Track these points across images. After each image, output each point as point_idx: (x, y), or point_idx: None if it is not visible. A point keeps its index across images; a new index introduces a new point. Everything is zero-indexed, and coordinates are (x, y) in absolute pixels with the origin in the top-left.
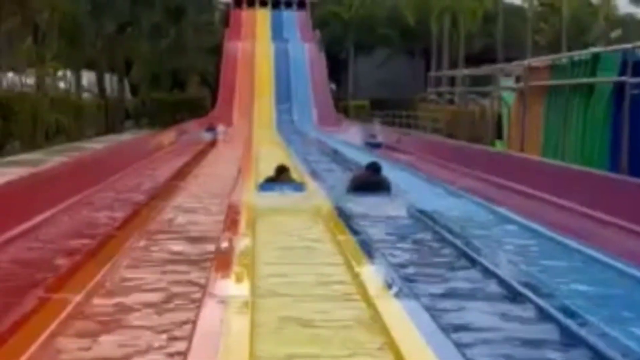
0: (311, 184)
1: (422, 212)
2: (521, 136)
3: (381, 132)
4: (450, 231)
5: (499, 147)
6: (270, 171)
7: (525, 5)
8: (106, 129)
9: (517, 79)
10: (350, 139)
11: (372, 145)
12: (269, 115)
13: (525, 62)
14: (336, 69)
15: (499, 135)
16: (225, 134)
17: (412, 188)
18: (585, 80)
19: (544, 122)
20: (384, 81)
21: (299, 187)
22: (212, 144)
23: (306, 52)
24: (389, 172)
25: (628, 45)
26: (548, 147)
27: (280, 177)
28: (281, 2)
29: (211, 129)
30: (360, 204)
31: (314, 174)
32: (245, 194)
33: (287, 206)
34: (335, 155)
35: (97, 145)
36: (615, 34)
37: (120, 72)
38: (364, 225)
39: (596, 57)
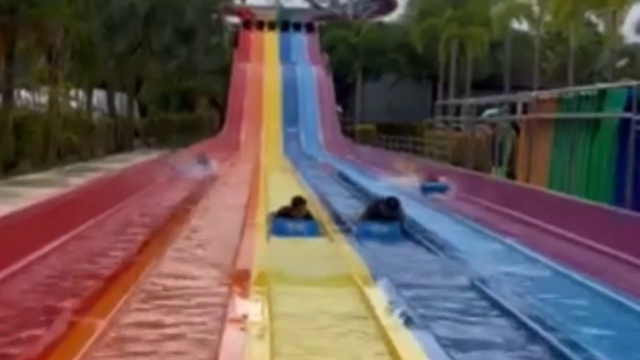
0: (327, 222)
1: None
2: (527, 167)
3: (415, 171)
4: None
5: (498, 174)
6: (281, 202)
7: (533, 33)
8: (116, 147)
9: (524, 110)
10: (393, 177)
11: (433, 190)
12: (277, 138)
13: (533, 94)
14: (343, 92)
15: (499, 162)
16: (215, 168)
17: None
18: (591, 115)
19: (550, 153)
20: (391, 106)
21: (314, 227)
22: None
23: (314, 75)
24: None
25: (633, 83)
26: (554, 179)
27: (297, 208)
28: (290, 25)
29: (203, 160)
30: (407, 269)
31: (330, 208)
32: (255, 249)
33: (313, 275)
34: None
35: (109, 165)
36: (622, 63)
37: (130, 92)
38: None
39: (603, 92)
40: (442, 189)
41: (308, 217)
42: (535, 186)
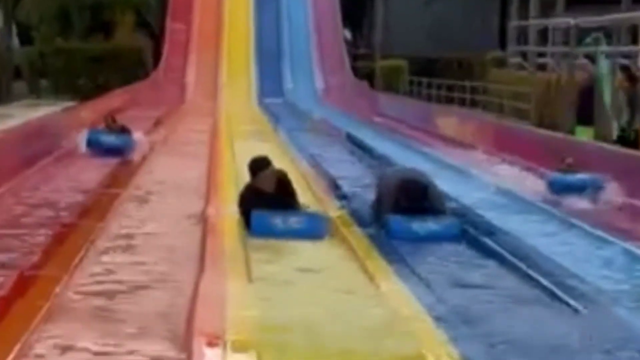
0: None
1: None
2: None
3: None
4: None
5: (583, 135)
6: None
7: None
8: None
9: None
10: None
11: (571, 188)
12: (246, 81)
13: None
14: (356, 9)
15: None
16: (143, 147)
17: None
18: None
19: None
20: (431, 31)
21: (319, 223)
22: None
23: None
24: None
25: None
26: None
27: (265, 178)
28: None
29: (116, 129)
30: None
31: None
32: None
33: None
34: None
35: None
36: None
37: (7, 7)
38: None
39: None
40: (587, 186)
41: (288, 197)
42: None
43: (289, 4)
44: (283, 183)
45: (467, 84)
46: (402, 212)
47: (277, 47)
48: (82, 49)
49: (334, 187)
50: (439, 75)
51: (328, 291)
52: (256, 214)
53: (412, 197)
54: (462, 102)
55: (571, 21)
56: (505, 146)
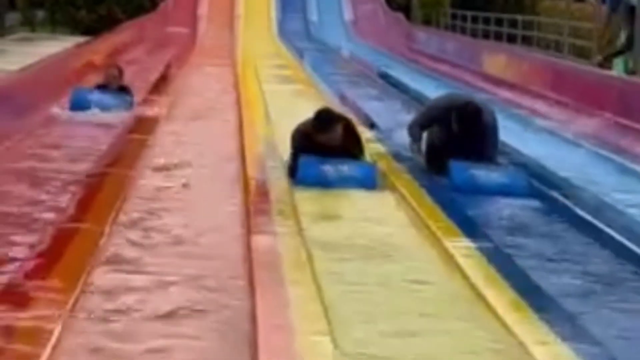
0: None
1: None
2: None
3: None
4: None
5: (619, 69)
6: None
7: None
8: None
9: None
10: None
11: None
12: (266, 13)
13: None
14: None
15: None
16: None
17: None
18: None
19: None
20: None
21: (370, 172)
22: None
23: None
24: None
25: None
26: None
27: (325, 133)
28: None
29: (112, 86)
30: None
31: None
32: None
33: None
34: None
35: None
36: None
37: None
38: None
39: None
40: None
41: (346, 149)
42: None
43: None
44: (330, 121)
45: (519, 17)
46: (453, 137)
47: None
48: None
49: (371, 128)
50: (483, 8)
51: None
52: (303, 160)
53: (465, 117)
54: (512, 39)
55: None
56: (561, 88)
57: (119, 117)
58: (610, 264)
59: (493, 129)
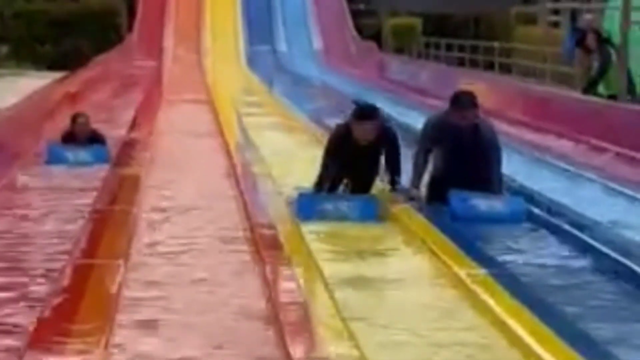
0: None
1: None
2: None
3: None
4: None
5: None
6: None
7: None
8: None
9: None
10: None
11: None
12: (234, 44)
13: None
14: None
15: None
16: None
17: None
18: None
19: None
20: None
21: (370, 206)
22: None
23: None
24: None
25: None
26: None
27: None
28: None
29: (82, 136)
30: None
31: None
32: None
33: None
34: None
35: None
36: None
37: None
38: None
39: None
40: None
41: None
42: None
43: None
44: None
45: (496, 44)
46: (454, 157)
47: (267, 5)
48: (46, 11)
49: None
50: (455, 35)
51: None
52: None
53: (462, 102)
54: (489, 66)
55: None
56: (541, 114)
57: (96, 172)
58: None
59: (495, 150)
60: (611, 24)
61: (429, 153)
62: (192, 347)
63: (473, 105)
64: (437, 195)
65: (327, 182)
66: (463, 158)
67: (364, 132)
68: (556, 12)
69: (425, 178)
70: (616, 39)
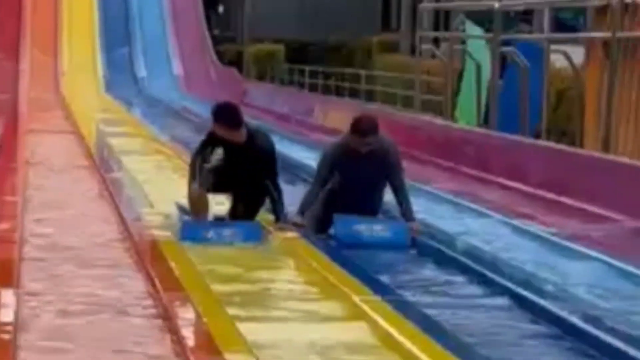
0: None
1: None
2: (606, 125)
3: None
4: None
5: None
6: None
7: None
8: None
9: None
10: None
11: None
12: (92, 68)
13: None
14: None
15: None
16: None
17: None
18: None
19: None
20: (308, 12)
21: (252, 230)
22: None
23: None
24: None
25: None
26: None
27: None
28: None
29: None
30: None
31: None
32: None
33: None
34: None
35: None
36: None
37: None
38: None
39: None
40: None
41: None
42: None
43: None
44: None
45: (363, 72)
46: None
47: (125, 31)
48: None
49: None
50: (315, 61)
51: None
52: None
53: (363, 128)
54: (354, 92)
55: (496, 4)
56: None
57: None
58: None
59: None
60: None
61: (326, 183)
62: None
63: (374, 131)
64: (327, 220)
65: None
66: (359, 183)
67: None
68: (420, 40)
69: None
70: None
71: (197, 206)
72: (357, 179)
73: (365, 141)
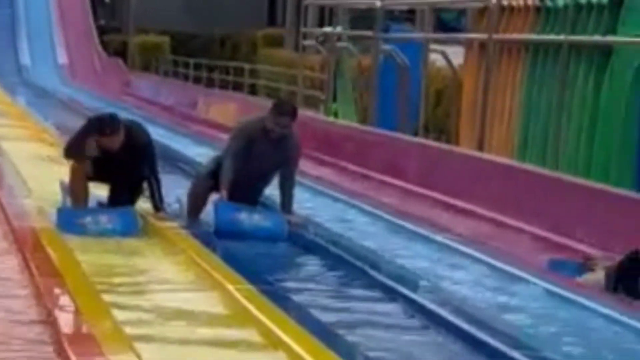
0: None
1: None
2: (481, 125)
3: None
4: None
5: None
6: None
7: None
8: None
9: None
10: None
11: None
12: None
13: None
14: None
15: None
16: None
17: None
18: (599, 38)
19: (522, 102)
20: (194, 5)
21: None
22: None
23: None
24: None
25: None
26: (530, 145)
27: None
28: None
29: None
30: None
31: None
32: None
33: None
34: None
35: None
36: None
37: None
38: None
39: (618, 2)
40: None
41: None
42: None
43: None
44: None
45: (247, 66)
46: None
47: (10, 16)
48: None
49: None
50: (201, 55)
51: None
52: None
53: (283, 108)
54: (238, 86)
55: (378, 3)
56: None
57: None
58: None
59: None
60: None
61: (238, 157)
62: None
63: (293, 115)
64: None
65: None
66: (255, 169)
67: (279, 123)
68: (304, 36)
69: None
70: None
71: (76, 189)
72: (255, 164)
73: (282, 121)
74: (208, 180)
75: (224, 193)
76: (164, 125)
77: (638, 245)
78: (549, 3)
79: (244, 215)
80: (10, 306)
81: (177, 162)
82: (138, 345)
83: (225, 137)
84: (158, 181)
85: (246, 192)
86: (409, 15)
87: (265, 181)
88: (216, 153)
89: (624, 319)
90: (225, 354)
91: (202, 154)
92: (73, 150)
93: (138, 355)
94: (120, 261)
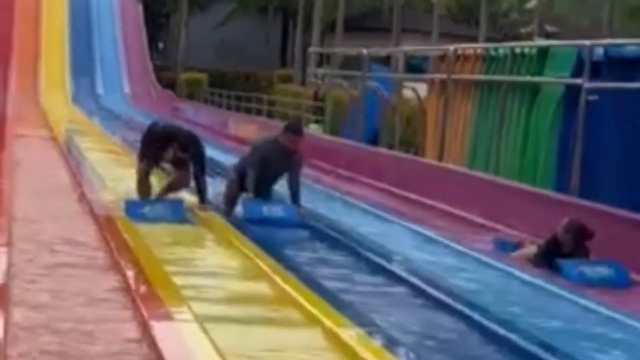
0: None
1: None
2: (441, 141)
3: None
4: None
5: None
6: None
7: None
8: None
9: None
10: None
11: None
12: (62, 85)
13: (451, 47)
14: (158, 28)
15: None
16: None
17: None
18: (530, 79)
19: (472, 125)
20: (220, 47)
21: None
22: None
23: (115, 2)
24: None
25: (586, 42)
26: (478, 157)
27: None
28: None
29: None
30: None
31: None
32: None
33: None
34: None
35: None
36: (531, 4)
37: None
38: None
39: (545, 51)
40: None
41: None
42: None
43: (99, 18)
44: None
45: (265, 96)
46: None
47: (89, 57)
48: None
49: None
50: (229, 87)
51: None
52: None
53: (297, 129)
54: (259, 111)
55: (364, 51)
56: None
57: None
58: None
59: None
60: None
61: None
62: None
63: (301, 134)
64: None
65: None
66: (270, 174)
67: (293, 143)
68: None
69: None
70: None
71: (141, 187)
72: (270, 170)
73: (296, 140)
74: (237, 184)
75: (251, 194)
76: (203, 139)
77: (556, 231)
78: (492, 52)
79: (265, 208)
80: (94, 276)
81: (214, 167)
82: (191, 304)
83: (246, 148)
84: (205, 180)
85: (263, 189)
86: (386, 60)
87: (276, 181)
88: (239, 158)
89: (539, 282)
90: (253, 310)
91: (230, 160)
92: (149, 154)
93: (191, 310)
94: (175, 240)
